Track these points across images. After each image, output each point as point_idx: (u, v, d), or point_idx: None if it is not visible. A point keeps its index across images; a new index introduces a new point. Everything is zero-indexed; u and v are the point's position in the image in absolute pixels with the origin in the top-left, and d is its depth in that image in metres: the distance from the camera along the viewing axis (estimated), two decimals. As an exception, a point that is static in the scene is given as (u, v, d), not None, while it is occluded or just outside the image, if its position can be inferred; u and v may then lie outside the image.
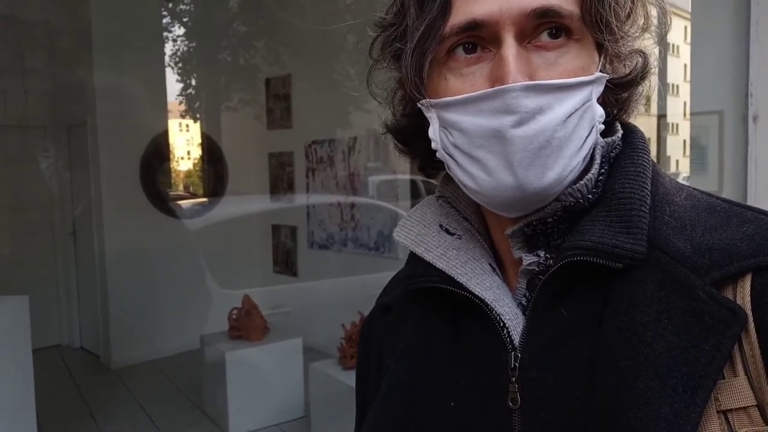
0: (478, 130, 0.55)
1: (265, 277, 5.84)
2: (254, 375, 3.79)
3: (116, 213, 5.16)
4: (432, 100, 0.59)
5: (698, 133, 2.63)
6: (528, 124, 0.53)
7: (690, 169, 2.71)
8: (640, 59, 0.61)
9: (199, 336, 4.21)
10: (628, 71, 0.61)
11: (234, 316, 3.98)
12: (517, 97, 0.52)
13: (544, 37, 0.55)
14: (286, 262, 5.73)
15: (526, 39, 0.55)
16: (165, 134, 5.47)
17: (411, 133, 0.66)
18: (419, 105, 0.61)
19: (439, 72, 0.58)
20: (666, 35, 0.64)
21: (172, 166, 5.71)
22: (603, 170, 0.60)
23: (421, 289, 0.65)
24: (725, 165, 2.50)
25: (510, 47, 0.54)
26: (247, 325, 3.90)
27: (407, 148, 0.69)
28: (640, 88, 0.63)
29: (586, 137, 0.57)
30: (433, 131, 0.60)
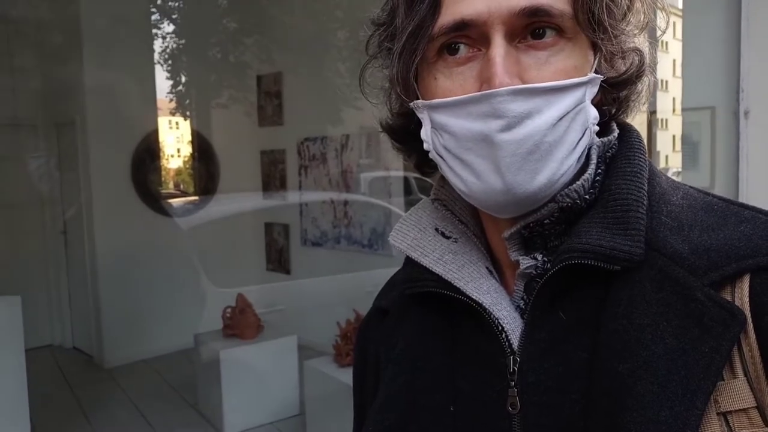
0: (467, 134, 0.55)
1: (258, 275, 5.82)
2: (249, 373, 3.79)
3: (107, 211, 5.13)
4: (422, 101, 0.58)
5: (690, 128, 2.65)
6: (516, 129, 0.52)
7: (682, 165, 2.73)
8: (636, 58, 0.60)
9: (193, 335, 4.19)
10: (624, 70, 0.60)
11: (228, 315, 3.97)
12: (504, 101, 0.52)
13: (532, 37, 0.54)
14: (279, 260, 5.72)
15: (516, 38, 0.54)
16: (155, 132, 5.44)
17: (406, 132, 0.65)
18: (411, 106, 0.60)
19: (430, 72, 0.58)
20: (664, 33, 0.64)
21: (162, 164, 5.66)
22: (599, 170, 0.59)
23: (418, 294, 0.65)
24: (717, 161, 2.51)
25: (498, 47, 0.53)
26: (241, 324, 3.89)
27: (403, 147, 0.69)
28: (639, 87, 0.62)
29: (579, 140, 0.56)
30: (425, 132, 0.60)
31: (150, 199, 5.37)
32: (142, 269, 5.22)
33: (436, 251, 0.63)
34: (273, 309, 4.80)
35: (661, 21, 0.63)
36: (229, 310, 3.99)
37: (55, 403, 4.36)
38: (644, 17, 0.60)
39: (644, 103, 0.63)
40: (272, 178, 5.71)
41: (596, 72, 0.57)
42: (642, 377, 0.49)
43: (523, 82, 0.53)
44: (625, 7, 0.58)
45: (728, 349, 0.49)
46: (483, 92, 0.53)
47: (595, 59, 0.57)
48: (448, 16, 0.54)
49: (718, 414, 0.49)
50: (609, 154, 0.61)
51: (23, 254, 5.54)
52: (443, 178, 0.66)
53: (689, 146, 2.66)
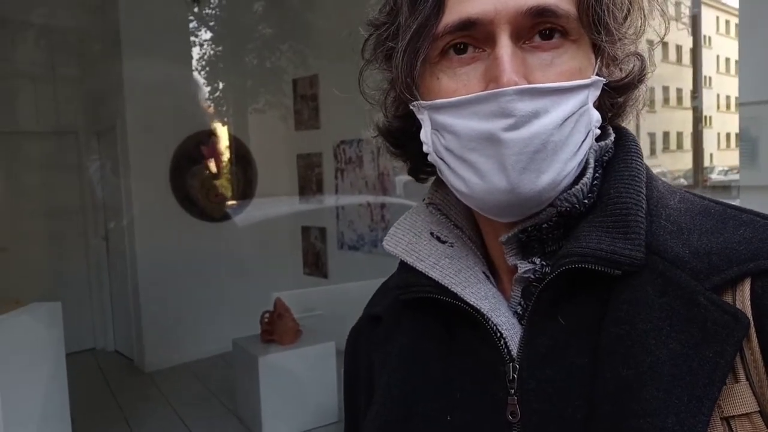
0: (471, 133, 0.54)
1: (295, 279, 5.82)
2: (287, 379, 3.76)
3: (147, 216, 5.20)
4: (424, 101, 0.58)
5: (748, 124, 2.51)
6: (523, 128, 0.52)
7: (740, 163, 2.59)
8: (637, 62, 0.60)
9: (232, 340, 4.19)
10: (624, 74, 0.60)
11: (266, 320, 3.95)
12: (512, 100, 0.51)
13: (540, 38, 0.54)
14: (316, 264, 5.70)
15: (521, 39, 0.54)
16: (193, 137, 5.48)
17: (404, 135, 0.65)
18: (411, 107, 0.60)
19: (432, 72, 0.57)
20: (662, 39, 0.63)
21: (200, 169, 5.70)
22: (597, 174, 0.59)
23: (413, 300, 0.63)
24: (777, 157, 2.37)
25: (505, 47, 0.53)
26: (279, 329, 3.86)
27: (400, 151, 0.68)
28: (636, 92, 0.62)
29: (582, 142, 0.56)
30: (425, 134, 0.59)
31: (188, 203, 5.42)
32: (182, 273, 5.27)
33: (432, 256, 0.62)
34: (311, 314, 4.77)
35: (660, 27, 0.62)
36: (267, 315, 3.96)
37: (96, 406, 4.42)
38: (641, 24, 0.59)
39: (642, 108, 0.64)
40: (309, 182, 5.70)
41: (598, 75, 0.57)
42: (647, 383, 0.48)
43: (529, 83, 0.53)
44: (626, 11, 0.58)
45: (733, 354, 0.48)
46: (491, 91, 0.52)
47: (596, 62, 0.57)
48: (453, 14, 0.54)
49: (721, 419, 0.49)
50: (605, 158, 0.61)
51: (66, 260, 5.67)
52: (438, 182, 0.66)
53: (748, 143, 2.52)
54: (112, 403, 4.56)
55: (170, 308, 5.20)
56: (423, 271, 0.61)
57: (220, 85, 6.40)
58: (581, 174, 0.57)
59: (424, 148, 0.60)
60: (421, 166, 0.66)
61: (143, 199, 5.21)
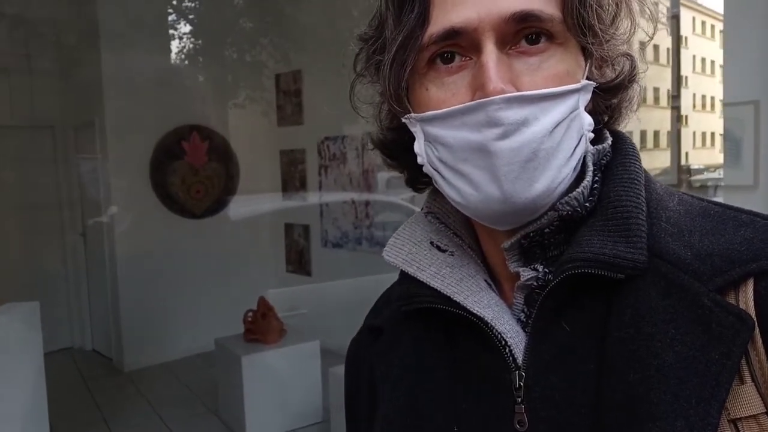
0: (462, 144, 0.54)
1: (278, 277, 5.77)
2: (271, 379, 3.72)
3: (126, 213, 5.11)
4: (415, 114, 0.58)
5: (731, 124, 2.53)
6: (513, 137, 0.52)
7: (724, 163, 2.62)
8: (627, 63, 0.60)
9: (214, 339, 4.14)
10: (615, 75, 0.60)
11: (249, 319, 3.90)
12: (500, 109, 0.51)
13: (525, 43, 0.54)
14: (299, 262, 5.66)
15: (507, 45, 0.54)
16: (174, 133, 5.39)
17: (399, 146, 0.65)
18: (404, 120, 0.60)
19: (421, 83, 0.57)
20: (651, 39, 0.63)
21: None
22: (596, 178, 0.59)
23: (416, 310, 0.63)
24: (761, 157, 2.40)
25: (490, 53, 0.53)
26: (263, 328, 3.82)
27: (396, 162, 0.68)
28: (629, 93, 0.62)
29: (575, 147, 0.56)
30: (419, 146, 0.59)
31: (169, 200, 5.34)
32: (162, 271, 5.20)
33: (433, 265, 0.62)
34: (295, 312, 4.73)
35: (648, 27, 0.63)
36: (250, 314, 3.91)
37: (75, 406, 4.34)
38: (630, 24, 0.59)
39: (636, 110, 0.64)
40: (292, 179, 5.65)
41: (588, 78, 0.57)
42: (654, 386, 0.48)
43: (516, 89, 0.53)
44: (613, 12, 0.58)
45: (739, 355, 0.48)
46: (477, 101, 0.52)
47: (586, 65, 0.57)
48: (437, 25, 0.54)
49: (728, 421, 0.49)
50: (603, 161, 0.61)
51: (42, 256, 5.55)
52: (435, 191, 0.66)
53: (731, 143, 2.55)
54: (90, 403, 4.48)
55: (150, 306, 5.12)
56: (424, 281, 0.61)
57: (201, 80, 6.31)
58: (580, 177, 0.57)
59: (419, 160, 0.59)
60: (418, 176, 0.66)
61: (122, 196, 5.12)
